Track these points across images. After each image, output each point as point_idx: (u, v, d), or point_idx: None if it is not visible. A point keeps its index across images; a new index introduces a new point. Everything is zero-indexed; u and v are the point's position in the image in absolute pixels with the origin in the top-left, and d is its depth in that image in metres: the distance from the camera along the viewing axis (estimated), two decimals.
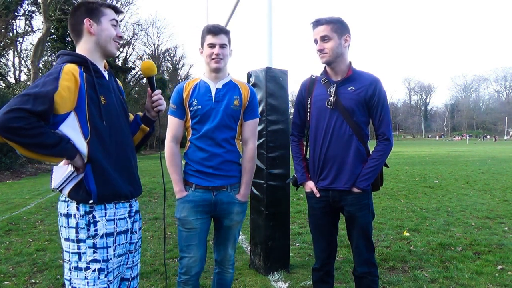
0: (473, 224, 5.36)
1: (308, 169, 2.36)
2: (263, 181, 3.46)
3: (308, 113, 2.31)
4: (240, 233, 3.96)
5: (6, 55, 26.21)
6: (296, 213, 5.99)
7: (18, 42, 26.57)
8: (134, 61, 41.79)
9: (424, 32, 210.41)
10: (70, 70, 1.54)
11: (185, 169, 2.29)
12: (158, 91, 1.90)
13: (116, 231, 1.64)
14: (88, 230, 1.57)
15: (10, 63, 27.70)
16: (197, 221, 2.21)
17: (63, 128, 1.55)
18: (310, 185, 2.30)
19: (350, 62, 2.24)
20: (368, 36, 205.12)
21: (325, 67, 2.28)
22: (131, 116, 1.96)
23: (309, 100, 2.30)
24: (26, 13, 24.71)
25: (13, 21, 24.54)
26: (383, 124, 2.21)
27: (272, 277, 3.42)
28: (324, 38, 2.16)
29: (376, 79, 2.20)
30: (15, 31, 26.04)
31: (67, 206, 1.60)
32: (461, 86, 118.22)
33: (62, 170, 1.58)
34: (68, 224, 1.58)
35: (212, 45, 2.17)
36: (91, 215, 1.58)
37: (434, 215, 5.99)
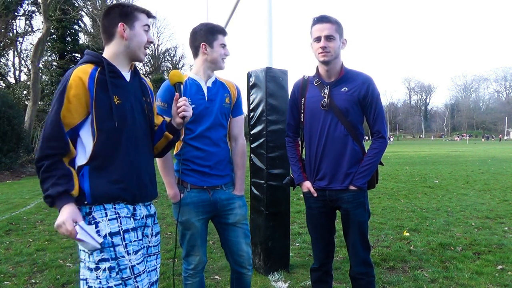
0: (473, 224, 5.37)
1: (304, 169, 2.37)
2: (263, 181, 3.46)
3: (302, 114, 2.32)
4: None
5: (6, 55, 26.20)
6: (296, 213, 5.99)
7: (18, 42, 26.54)
8: None
9: (424, 32, 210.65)
10: (78, 75, 1.55)
11: (180, 168, 2.25)
12: (184, 98, 1.84)
13: (121, 229, 1.60)
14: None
15: (10, 63, 27.63)
16: (198, 222, 2.22)
17: (82, 133, 1.59)
18: (307, 185, 2.31)
19: (342, 63, 2.26)
20: (368, 36, 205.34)
21: (317, 68, 2.28)
22: (159, 119, 1.91)
23: (302, 101, 2.30)
24: (26, 13, 24.69)
25: (13, 21, 24.51)
26: (378, 122, 2.22)
27: (272, 277, 3.42)
28: (330, 37, 2.14)
29: (368, 78, 2.21)
30: (15, 31, 26.01)
31: None
32: (461, 86, 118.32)
33: None
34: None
35: (224, 45, 2.24)
36: (91, 216, 1.57)
37: (434, 215, 5.99)
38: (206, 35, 2.20)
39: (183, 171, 2.23)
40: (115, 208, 1.61)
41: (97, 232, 1.56)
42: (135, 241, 1.63)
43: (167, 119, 1.91)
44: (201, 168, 2.19)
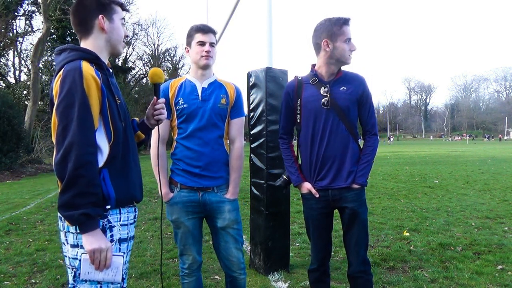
0: (473, 224, 5.37)
1: (301, 170, 2.36)
2: (263, 181, 3.47)
3: (298, 115, 2.30)
4: None
5: (6, 55, 26.24)
6: (296, 213, 5.99)
7: (18, 42, 26.58)
8: (134, 61, 41.83)
9: (424, 32, 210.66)
10: (89, 73, 1.43)
11: (171, 167, 2.28)
12: (162, 100, 1.80)
13: (128, 236, 1.55)
14: (105, 236, 1.45)
15: (10, 63, 27.71)
16: (188, 221, 2.23)
17: (97, 134, 1.47)
18: (308, 186, 2.29)
19: None
20: (368, 36, 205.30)
21: (313, 67, 2.30)
22: None
23: (298, 102, 2.29)
24: (26, 13, 24.72)
25: (13, 21, 24.55)
26: (371, 120, 2.29)
27: (272, 277, 3.42)
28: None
29: (363, 79, 2.29)
30: (15, 31, 26.06)
31: None
32: (461, 86, 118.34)
33: None
34: (76, 229, 1.42)
35: (202, 43, 2.18)
36: (105, 219, 1.47)
37: (434, 215, 5.99)
38: (186, 38, 2.25)
39: (174, 170, 2.25)
40: (128, 212, 1.57)
41: (111, 237, 1.48)
42: (130, 250, 1.59)
43: (137, 118, 1.85)
44: (191, 168, 2.18)
